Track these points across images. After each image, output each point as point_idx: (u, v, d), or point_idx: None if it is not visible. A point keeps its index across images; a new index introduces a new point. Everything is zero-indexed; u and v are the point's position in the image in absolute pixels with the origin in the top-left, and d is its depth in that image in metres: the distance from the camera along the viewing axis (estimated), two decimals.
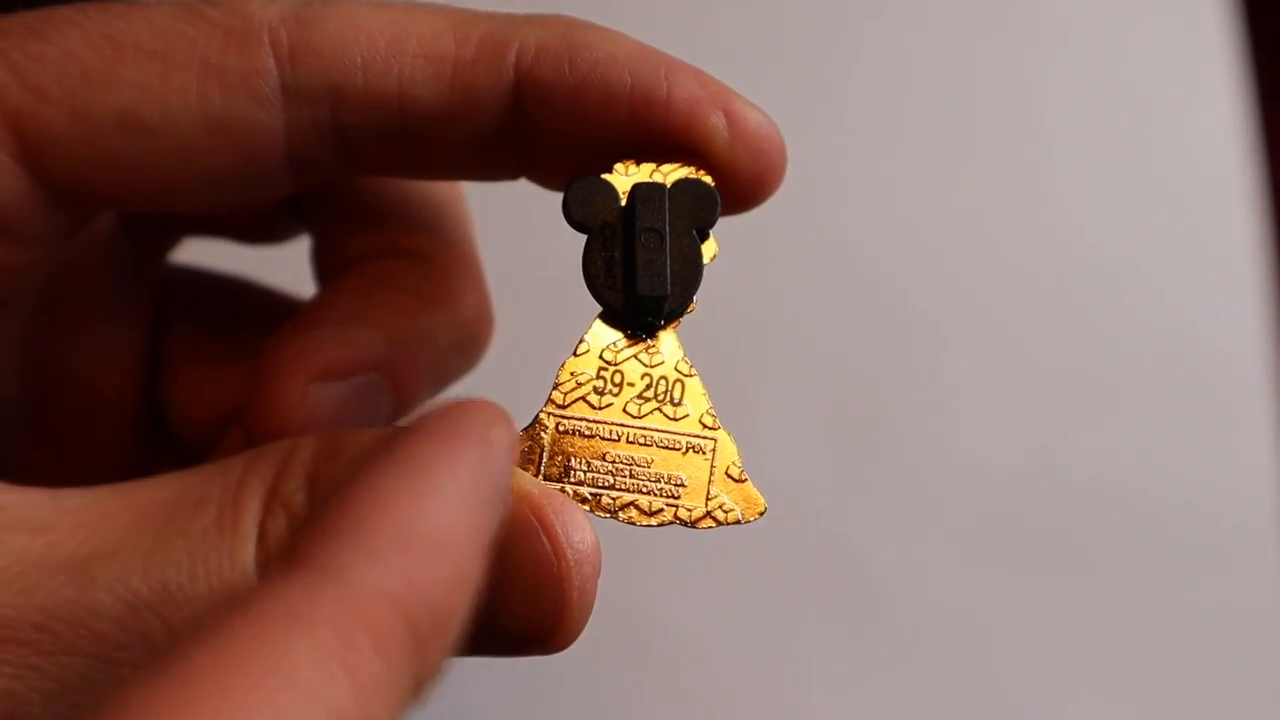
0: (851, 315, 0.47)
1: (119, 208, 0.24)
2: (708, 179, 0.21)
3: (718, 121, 0.20)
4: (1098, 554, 0.45)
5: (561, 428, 0.20)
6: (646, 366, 0.21)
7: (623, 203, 0.20)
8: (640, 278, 0.19)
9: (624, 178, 0.21)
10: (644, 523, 0.20)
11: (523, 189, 0.23)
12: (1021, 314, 0.47)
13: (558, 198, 0.21)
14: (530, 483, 0.19)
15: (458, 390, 0.25)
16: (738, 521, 0.20)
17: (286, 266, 0.28)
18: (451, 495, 0.16)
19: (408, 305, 0.24)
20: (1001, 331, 0.47)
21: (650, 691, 0.40)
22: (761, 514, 0.21)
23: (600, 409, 0.20)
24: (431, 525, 0.15)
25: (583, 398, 0.20)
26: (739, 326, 0.45)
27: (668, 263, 0.20)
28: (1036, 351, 0.47)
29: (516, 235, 0.36)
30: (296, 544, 0.15)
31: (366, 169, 0.23)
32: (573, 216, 0.20)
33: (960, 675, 0.44)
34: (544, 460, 0.20)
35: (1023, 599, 0.45)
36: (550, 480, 0.20)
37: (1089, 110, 0.50)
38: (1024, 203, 0.49)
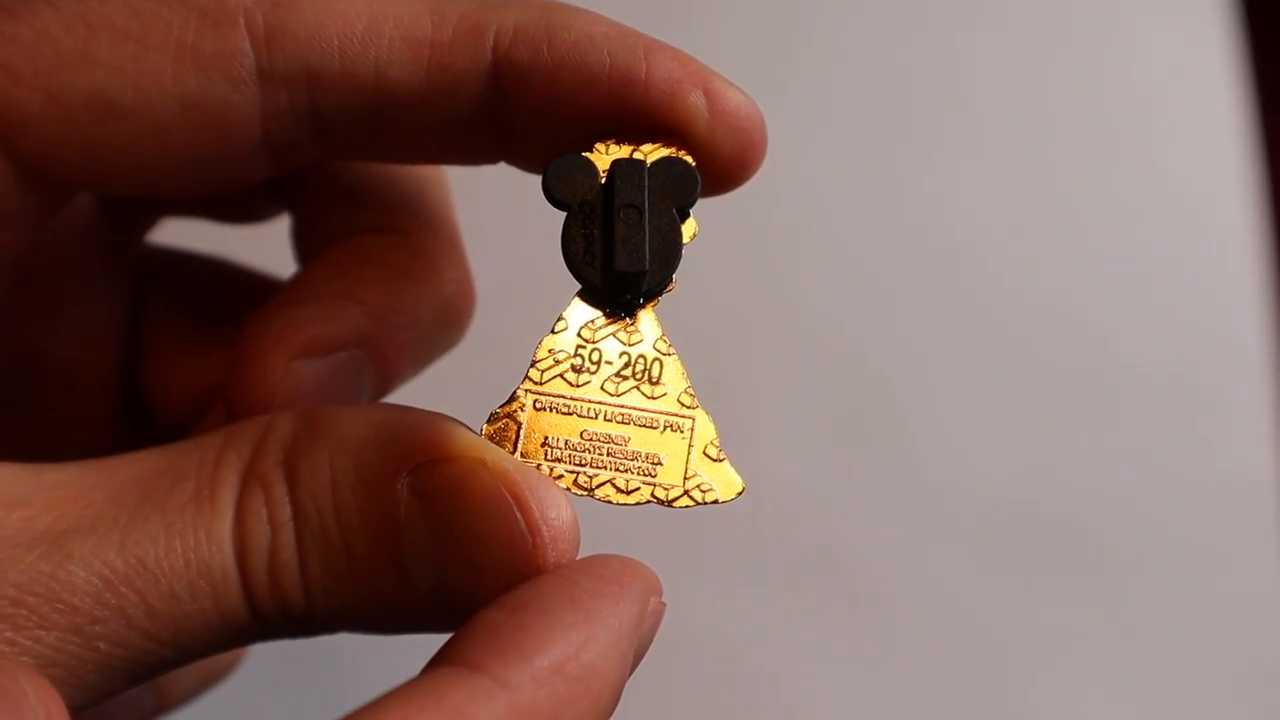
0: (851, 319, 0.46)
1: (94, 190, 0.23)
2: (688, 158, 0.21)
3: (697, 101, 0.20)
4: (1097, 555, 0.45)
5: (539, 405, 0.20)
6: (625, 345, 0.21)
7: (603, 180, 0.20)
8: (618, 254, 0.19)
9: (604, 157, 0.21)
10: (620, 501, 0.20)
11: (503, 168, 0.23)
12: (1020, 315, 0.47)
13: (538, 176, 0.21)
14: (506, 459, 0.19)
15: (440, 367, 0.25)
16: (715, 501, 0.20)
17: (266, 246, 0.28)
18: (606, 640, 0.18)
19: (389, 281, 0.24)
20: (1000, 332, 0.47)
21: (646, 691, 0.40)
22: (739, 494, 0.21)
23: (578, 386, 0.20)
24: (587, 661, 0.18)
25: (560, 375, 0.20)
26: (739, 330, 0.45)
27: (646, 239, 0.20)
28: (1035, 352, 0.47)
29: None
30: (474, 646, 0.17)
31: (344, 153, 0.23)
32: (552, 194, 0.20)
33: (959, 676, 0.44)
34: (520, 437, 0.20)
35: (1022, 601, 0.45)
36: (527, 457, 0.20)
37: (1089, 112, 0.50)
38: (1024, 205, 0.49)
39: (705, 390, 0.21)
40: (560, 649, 0.17)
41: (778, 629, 0.43)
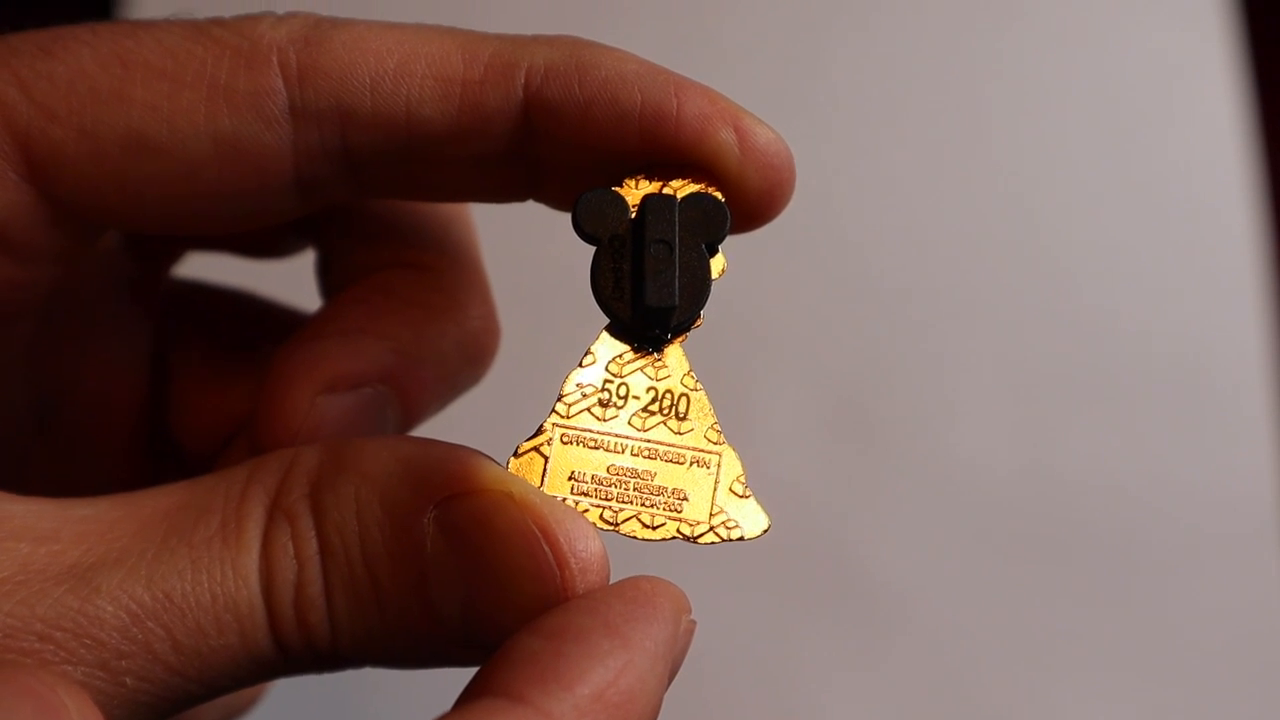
0: (850, 319, 0.47)
1: (126, 228, 0.24)
2: (718, 194, 0.21)
3: (728, 137, 0.20)
4: (1097, 555, 0.45)
5: (565, 438, 0.20)
6: (652, 379, 0.21)
7: (632, 215, 0.20)
8: (649, 289, 0.19)
9: (634, 192, 0.21)
10: (645, 536, 0.20)
11: (528, 203, 0.23)
12: (1020, 316, 0.47)
13: (564, 213, 0.21)
14: (532, 492, 0.19)
15: (464, 402, 0.25)
16: (740, 538, 0.20)
17: (291, 280, 0.28)
18: (643, 664, 0.18)
19: (414, 317, 0.24)
20: (1000, 334, 0.47)
21: None
22: (765, 531, 0.20)
23: (605, 421, 0.20)
24: (626, 686, 0.18)
25: (587, 409, 0.20)
26: (738, 332, 0.45)
27: (676, 274, 0.20)
28: (1035, 354, 0.47)
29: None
30: (512, 676, 0.17)
31: (374, 191, 0.23)
32: (582, 228, 0.20)
33: (960, 674, 0.44)
34: (547, 471, 0.20)
35: (1023, 601, 0.45)
36: (553, 491, 0.20)
37: (1088, 112, 0.50)
38: (1023, 205, 0.49)
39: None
40: (600, 676, 0.17)
41: (779, 626, 0.43)
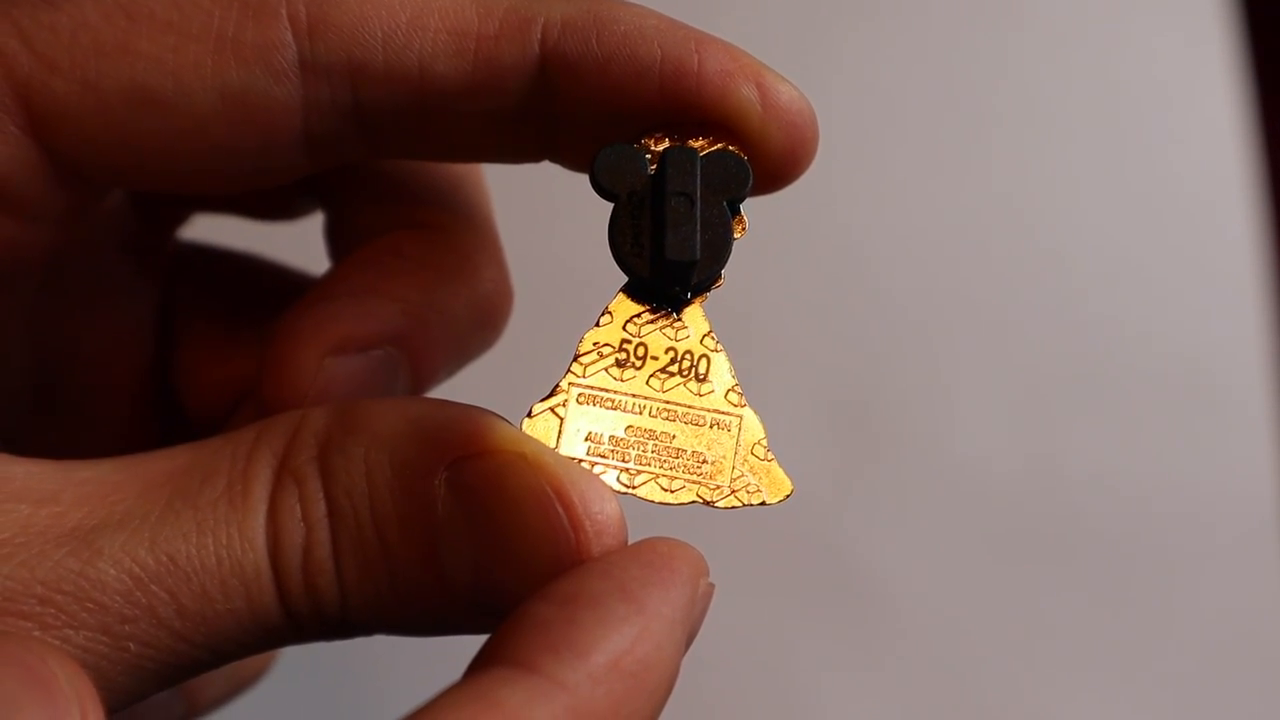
0: (851, 319, 0.46)
1: (130, 186, 0.23)
2: (739, 152, 0.20)
3: (750, 94, 0.20)
4: (1098, 555, 0.45)
5: (582, 398, 0.20)
6: (672, 340, 0.20)
7: (651, 170, 0.20)
8: (669, 242, 0.19)
9: (653, 150, 0.20)
10: (664, 500, 0.20)
11: (542, 164, 0.23)
12: (1021, 315, 0.47)
13: (579, 173, 0.21)
14: (546, 453, 0.19)
15: (477, 367, 0.25)
16: (763, 503, 0.20)
17: (298, 242, 0.27)
18: (660, 630, 0.17)
19: (425, 279, 0.23)
20: (1001, 333, 0.47)
21: None
22: (787, 496, 0.20)
23: (623, 381, 0.20)
24: (642, 654, 0.17)
25: (605, 369, 0.20)
26: (737, 329, 0.45)
27: (698, 227, 0.19)
28: (1036, 353, 0.47)
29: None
30: (524, 644, 0.17)
31: (385, 149, 0.22)
32: (600, 183, 0.20)
33: (958, 674, 0.44)
34: (562, 432, 0.20)
35: (1023, 600, 0.44)
36: (568, 453, 0.20)
37: (1089, 111, 0.49)
38: (1023, 204, 0.48)
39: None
40: (615, 644, 0.17)
41: (778, 625, 0.43)
